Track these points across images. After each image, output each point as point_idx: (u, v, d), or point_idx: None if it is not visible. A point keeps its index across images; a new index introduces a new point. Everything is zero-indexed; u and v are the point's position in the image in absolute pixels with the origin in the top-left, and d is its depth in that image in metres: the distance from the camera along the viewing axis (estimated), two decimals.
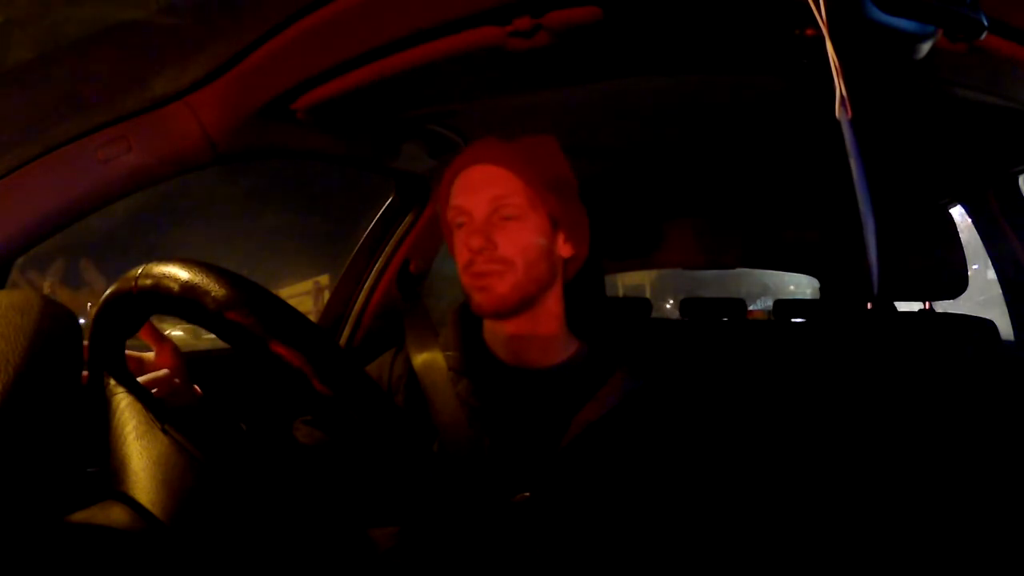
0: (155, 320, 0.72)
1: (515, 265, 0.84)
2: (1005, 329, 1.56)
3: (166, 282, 0.46)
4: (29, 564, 0.37)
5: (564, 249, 0.90)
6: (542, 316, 0.89)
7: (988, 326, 1.46)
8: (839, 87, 0.45)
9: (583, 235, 0.92)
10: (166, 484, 0.47)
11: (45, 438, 0.40)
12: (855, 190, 0.47)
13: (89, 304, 0.68)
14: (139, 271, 0.48)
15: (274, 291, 0.47)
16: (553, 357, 0.90)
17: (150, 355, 0.73)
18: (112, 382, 0.54)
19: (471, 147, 0.90)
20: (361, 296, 1.56)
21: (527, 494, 0.79)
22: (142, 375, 0.70)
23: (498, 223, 0.85)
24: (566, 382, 0.87)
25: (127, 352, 0.70)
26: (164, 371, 0.71)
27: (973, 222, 1.74)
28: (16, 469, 0.37)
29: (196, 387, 0.76)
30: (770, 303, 2.97)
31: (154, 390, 0.69)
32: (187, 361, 0.74)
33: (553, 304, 0.91)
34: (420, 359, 0.90)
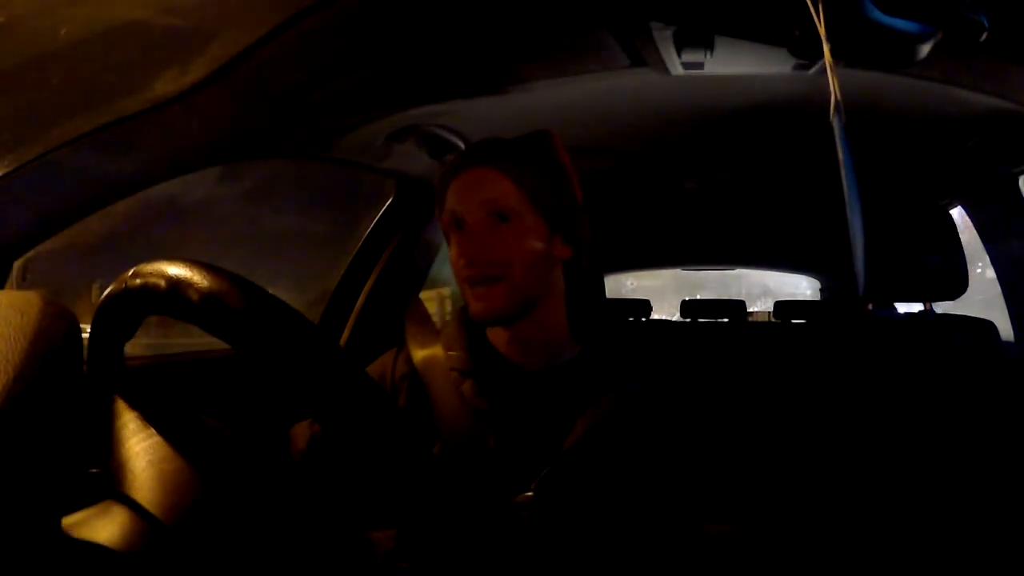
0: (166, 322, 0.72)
1: (511, 271, 0.82)
2: (1005, 329, 1.56)
3: (153, 279, 0.46)
4: (29, 565, 0.37)
5: (563, 251, 0.87)
6: (544, 319, 0.88)
7: (988, 326, 1.46)
8: (834, 89, 0.45)
9: (584, 235, 0.89)
10: (166, 484, 0.47)
11: (45, 438, 0.40)
12: (844, 192, 0.48)
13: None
14: (130, 272, 0.48)
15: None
16: (556, 359, 0.89)
17: None
18: (112, 383, 0.54)
19: (466, 149, 0.88)
20: (361, 296, 1.56)
21: (530, 494, 0.79)
22: None
23: (492, 227, 0.82)
24: (570, 383, 0.87)
25: None
26: None
27: (973, 222, 1.74)
28: (16, 469, 0.37)
29: None
30: (770, 304, 2.97)
31: None
32: (186, 363, 0.73)
33: (555, 307, 0.89)
34: (422, 359, 0.90)
